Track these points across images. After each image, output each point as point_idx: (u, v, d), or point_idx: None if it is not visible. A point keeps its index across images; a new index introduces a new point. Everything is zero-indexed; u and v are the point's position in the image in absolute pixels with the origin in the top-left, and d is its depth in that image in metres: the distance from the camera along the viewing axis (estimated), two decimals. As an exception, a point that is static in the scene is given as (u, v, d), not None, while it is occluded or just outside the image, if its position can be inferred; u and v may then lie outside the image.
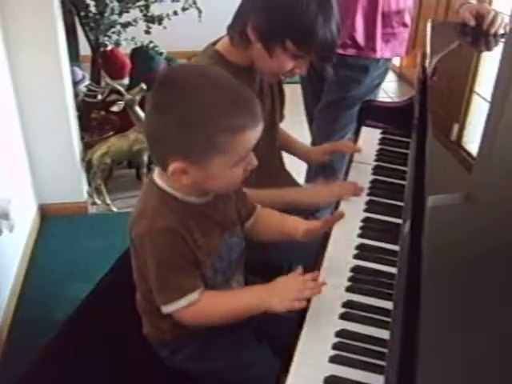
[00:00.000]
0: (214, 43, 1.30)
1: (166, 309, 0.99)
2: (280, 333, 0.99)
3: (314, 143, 2.00)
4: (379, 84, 2.02)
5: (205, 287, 1.00)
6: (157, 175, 1.00)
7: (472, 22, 1.63)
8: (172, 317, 1.01)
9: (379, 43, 1.87)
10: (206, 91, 0.89)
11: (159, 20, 2.84)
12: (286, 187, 1.39)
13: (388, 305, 0.93)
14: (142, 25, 2.86)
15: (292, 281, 0.97)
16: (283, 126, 1.53)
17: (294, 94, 2.23)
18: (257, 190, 1.22)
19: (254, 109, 0.92)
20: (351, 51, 1.87)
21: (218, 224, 1.03)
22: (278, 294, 0.95)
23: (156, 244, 0.95)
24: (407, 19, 1.92)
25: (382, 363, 0.82)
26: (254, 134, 0.92)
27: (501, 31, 1.60)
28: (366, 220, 1.18)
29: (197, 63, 1.28)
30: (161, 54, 3.01)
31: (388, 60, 1.97)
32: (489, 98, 1.25)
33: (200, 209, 1.00)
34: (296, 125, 1.73)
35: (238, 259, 1.10)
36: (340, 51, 1.87)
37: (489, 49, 1.64)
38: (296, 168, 1.74)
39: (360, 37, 1.85)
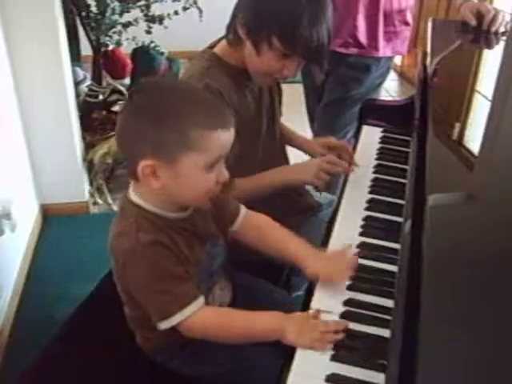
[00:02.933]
0: (212, 46, 1.31)
1: (170, 322, 0.94)
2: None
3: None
4: (381, 84, 2.02)
5: None
6: (131, 192, 0.99)
7: (473, 22, 1.62)
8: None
9: (381, 42, 1.88)
10: (180, 94, 0.94)
11: (160, 20, 2.85)
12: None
13: (389, 303, 0.93)
14: (142, 25, 2.87)
15: (313, 321, 0.93)
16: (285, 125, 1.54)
17: (295, 94, 2.24)
18: (243, 180, 1.23)
19: (225, 113, 0.94)
20: (353, 50, 1.87)
21: (199, 237, 1.01)
22: (300, 329, 0.90)
23: (146, 260, 0.92)
24: (409, 17, 1.93)
25: (383, 361, 0.82)
26: (226, 136, 0.92)
27: (502, 29, 1.60)
28: (367, 218, 1.18)
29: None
30: (162, 53, 3.02)
31: (389, 59, 1.97)
32: (490, 96, 1.25)
33: (179, 224, 0.98)
34: (298, 124, 1.72)
35: (220, 267, 1.10)
36: (342, 50, 1.87)
37: (490, 47, 1.64)
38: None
39: (362, 36, 1.86)
